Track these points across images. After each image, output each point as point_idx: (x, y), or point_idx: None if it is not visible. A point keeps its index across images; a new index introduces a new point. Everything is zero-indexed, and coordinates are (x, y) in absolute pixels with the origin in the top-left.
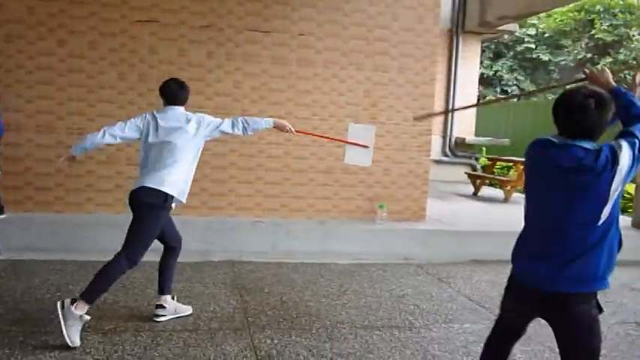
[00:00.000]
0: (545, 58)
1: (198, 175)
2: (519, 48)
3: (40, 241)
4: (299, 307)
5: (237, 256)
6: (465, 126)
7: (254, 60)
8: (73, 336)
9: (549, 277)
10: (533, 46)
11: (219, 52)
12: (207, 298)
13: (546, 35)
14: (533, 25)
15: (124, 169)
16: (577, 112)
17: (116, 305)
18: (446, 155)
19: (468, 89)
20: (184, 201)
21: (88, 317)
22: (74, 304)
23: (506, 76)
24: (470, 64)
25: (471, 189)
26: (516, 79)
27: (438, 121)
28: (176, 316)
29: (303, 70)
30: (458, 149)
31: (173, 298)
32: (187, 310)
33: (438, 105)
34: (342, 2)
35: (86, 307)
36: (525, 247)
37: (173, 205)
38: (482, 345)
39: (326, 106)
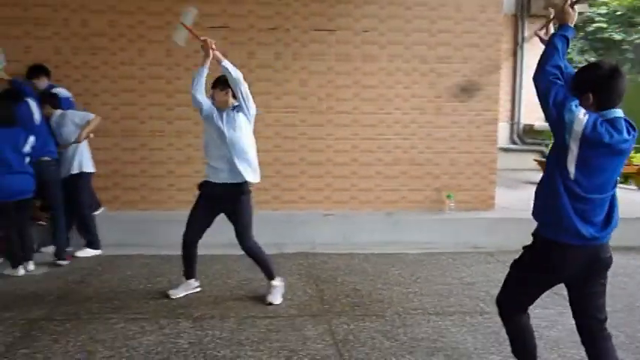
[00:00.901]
0: (618, 37)
1: (271, 171)
2: (590, 28)
3: (129, 237)
4: (372, 295)
5: (309, 248)
6: (532, 111)
7: (319, 58)
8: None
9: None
10: (604, 25)
11: (286, 52)
12: (284, 287)
13: (618, 13)
14: (605, 3)
15: (201, 167)
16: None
17: (202, 294)
18: (514, 143)
19: None
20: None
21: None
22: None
23: (577, 58)
24: (537, 49)
25: (540, 176)
26: (587, 61)
27: (505, 108)
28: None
29: (367, 65)
30: (526, 136)
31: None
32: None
33: (505, 92)
34: None
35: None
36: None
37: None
38: (554, 330)
39: (391, 99)
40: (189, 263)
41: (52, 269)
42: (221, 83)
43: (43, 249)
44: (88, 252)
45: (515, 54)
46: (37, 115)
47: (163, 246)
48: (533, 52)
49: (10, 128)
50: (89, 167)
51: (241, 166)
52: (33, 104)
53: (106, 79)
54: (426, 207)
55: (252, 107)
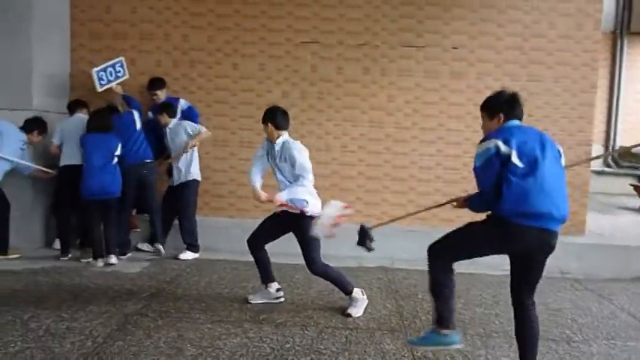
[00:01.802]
0: None
1: (354, 185)
2: None
3: (215, 242)
4: None
5: (389, 263)
6: (629, 134)
7: (407, 74)
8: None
9: None
10: None
11: (375, 68)
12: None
13: None
14: None
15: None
16: None
17: (284, 302)
18: (608, 166)
19: (637, 96)
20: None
21: None
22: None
23: None
24: (635, 68)
25: (637, 202)
26: None
27: (600, 129)
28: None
29: (455, 82)
30: (622, 159)
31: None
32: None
33: (600, 112)
34: (495, 14)
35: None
36: None
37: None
38: None
39: (478, 117)
40: (259, 267)
41: (145, 268)
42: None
43: (140, 244)
44: (189, 255)
45: (612, 74)
46: (138, 125)
47: (247, 252)
48: (631, 71)
49: (104, 134)
50: (197, 176)
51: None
52: (136, 114)
53: (201, 90)
54: None
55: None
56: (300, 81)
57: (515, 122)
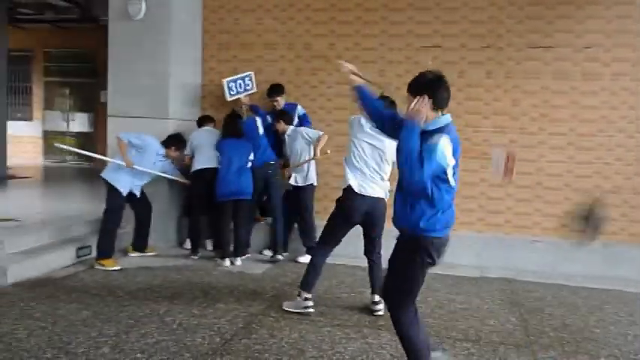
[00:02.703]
0: None
1: (475, 192)
2: None
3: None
4: (583, 331)
5: (513, 274)
6: None
7: (534, 77)
8: None
9: None
10: None
11: (498, 71)
12: (486, 312)
13: None
14: None
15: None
16: None
17: None
18: None
19: None
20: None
21: None
22: None
23: None
24: None
25: None
26: None
27: None
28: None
29: (587, 84)
30: None
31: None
32: None
33: None
34: (634, 9)
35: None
36: None
37: None
38: None
39: (615, 121)
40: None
41: (267, 270)
42: None
43: (265, 251)
44: (308, 258)
45: None
46: (260, 130)
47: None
48: None
49: (238, 139)
50: (315, 180)
51: None
52: (258, 120)
53: (322, 97)
54: None
55: None
56: None
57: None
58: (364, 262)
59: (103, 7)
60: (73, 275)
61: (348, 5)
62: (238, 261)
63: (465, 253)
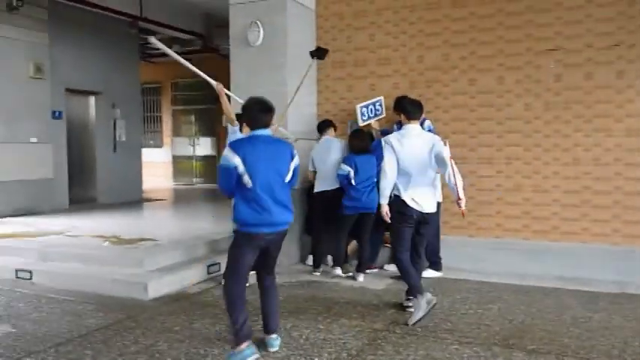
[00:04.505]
0: None
1: (609, 201)
2: None
3: (455, 261)
4: None
5: None
6: None
7: None
8: None
9: None
10: None
11: (630, 70)
12: (629, 332)
13: None
14: None
15: (530, 195)
16: None
17: (534, 327)
18: None
19: None
20: None
21: None
22: None
23: None
24: None
25: None
26: None
27: None
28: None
29: None
30: None
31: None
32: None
33: None
34: None
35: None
36: None
37: None
38: None
39: None
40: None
41: (389, 285)
42: None
43: (386, 266)
44: (431, 273)
45: None
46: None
47: (490, 273)
48: None
49: (368, 155)
50: (441, 198)
51: None
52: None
53: (438, 109)
54: None
55: None
56: (544, 92)
57: None
58: (489, 278)
59: (223, 36)
60: (205, 291)
61: (462, 14)
62: (361, 277)
63: (601, 266)
